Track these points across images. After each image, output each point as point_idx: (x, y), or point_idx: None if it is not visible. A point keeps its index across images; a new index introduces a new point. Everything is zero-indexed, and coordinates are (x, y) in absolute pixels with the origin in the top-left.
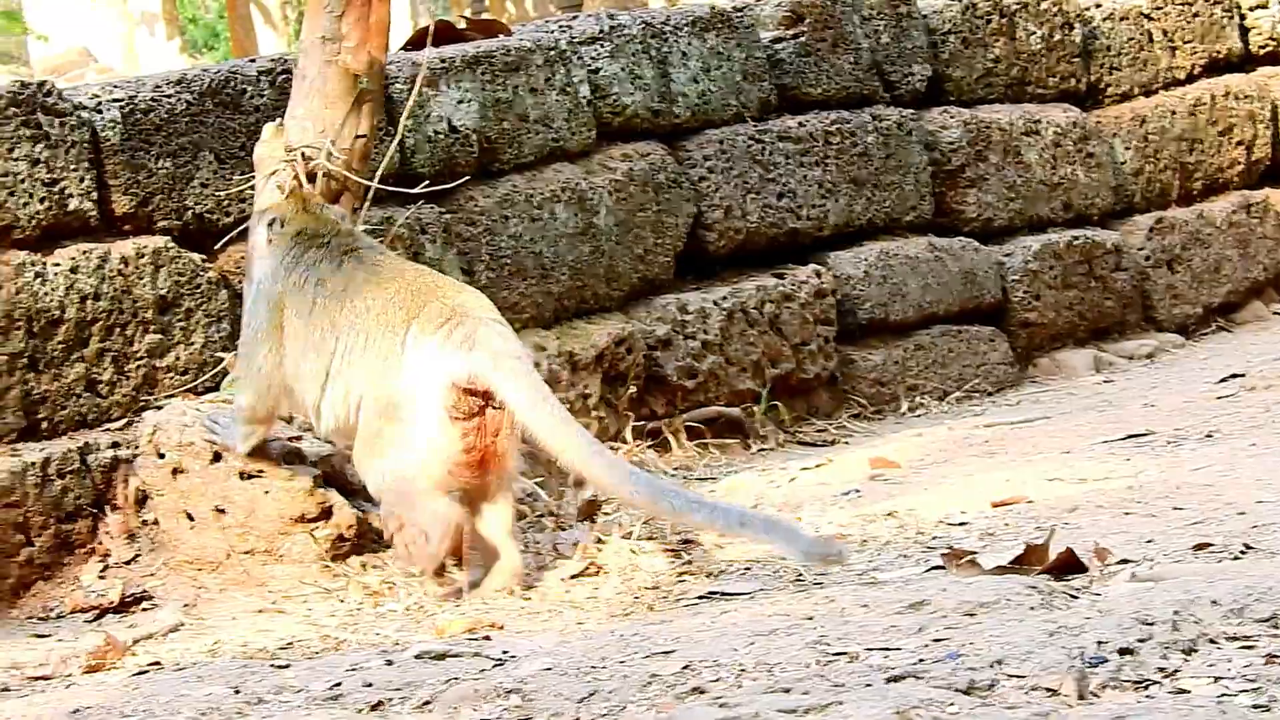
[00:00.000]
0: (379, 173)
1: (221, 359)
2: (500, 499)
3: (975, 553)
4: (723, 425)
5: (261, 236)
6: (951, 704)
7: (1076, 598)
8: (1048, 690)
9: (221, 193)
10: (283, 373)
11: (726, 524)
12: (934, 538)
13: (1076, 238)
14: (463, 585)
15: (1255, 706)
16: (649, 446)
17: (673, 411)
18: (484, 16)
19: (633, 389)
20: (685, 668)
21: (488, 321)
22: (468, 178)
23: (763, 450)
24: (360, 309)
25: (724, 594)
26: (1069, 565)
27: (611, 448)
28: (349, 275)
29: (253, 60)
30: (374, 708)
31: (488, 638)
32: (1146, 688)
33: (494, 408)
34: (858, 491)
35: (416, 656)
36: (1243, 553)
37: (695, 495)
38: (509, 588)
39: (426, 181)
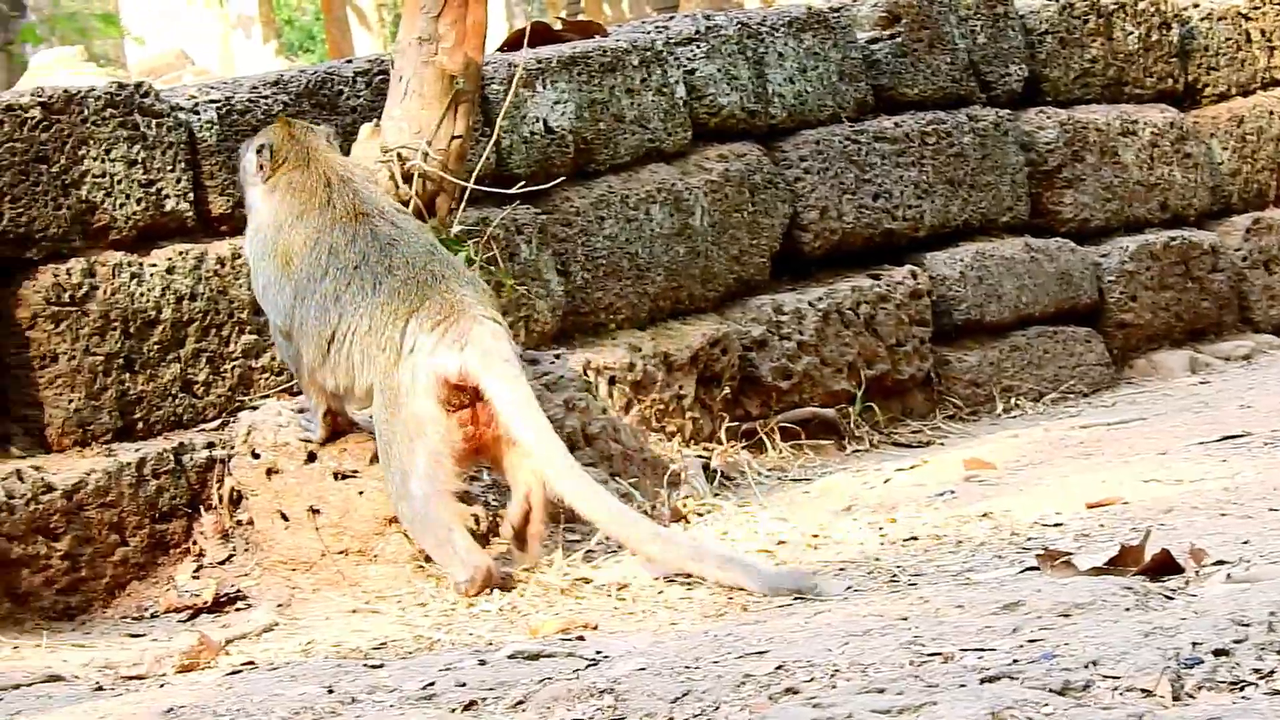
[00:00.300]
0: (475, 173)
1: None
2: (523, 476)
3: (1070, 554)
4: (817, 426)
5: (250, 162)
6: (1046, 705)
7: (1172, 599)
8: (1142, 691)
9: None
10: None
11: (679, 557)
12: (1029, 539)
13: (1173, 238)
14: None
15: None
16: (744, 447)
17: (767, 412)
18: (580, 18)
19: (727, 390)
20: (779, 668)
21: (481, 319)
22: (563, 178)
23: (857, 451)
24: (367, 289)
25: (818, 594)
26: (1164, 566)
27: (706, 449)
28: (363, 251)
29: (349, 61)
30: (467, 707)
31: (581, 638)
32: (1242, 689)
33: (483, 399)
34: (953, 493)
35: (510, 656)
36: None
37: (653, 526)
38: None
39: (522, 182)
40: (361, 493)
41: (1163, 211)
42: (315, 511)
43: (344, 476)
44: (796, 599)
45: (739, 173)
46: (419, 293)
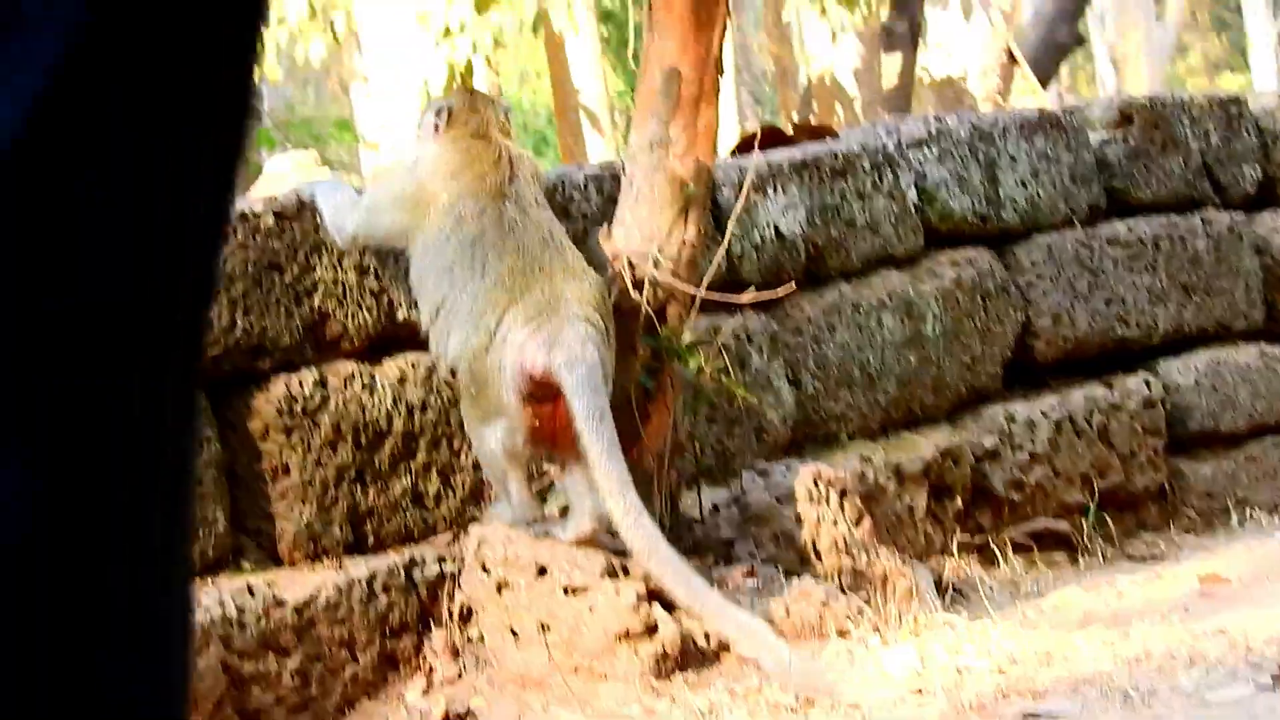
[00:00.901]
0: (705, 280)
1: (546, 472)
2: (581, 465)
3: None
4: (1049, 539)
5: (429, 121)
6: None
7: None
8: None
9: None
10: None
11: (704, 609)
12: (1265, 656)
13: None
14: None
15: None
16: (975, 560)
17: (999, 524)
18: (812, 120)
19: (959, 501)
20: None
21: (574, 320)
22: (794, 285)
23: (1090, 564)
24: (476, 270)
25: (1050, 714)
26: None
27: (937, 561)
28: (482, 228)
29: (580, 167)
30: None
31: None
32: None
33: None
34: (1186, 608)
35: None
36: None
37: (688, 570)
38: (591, 529)
39: (752, 288)
40: (592, 609)
41: None
42: (545, 628)
43: (574, 592)
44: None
45: (971, 279)
46: (522, 283)
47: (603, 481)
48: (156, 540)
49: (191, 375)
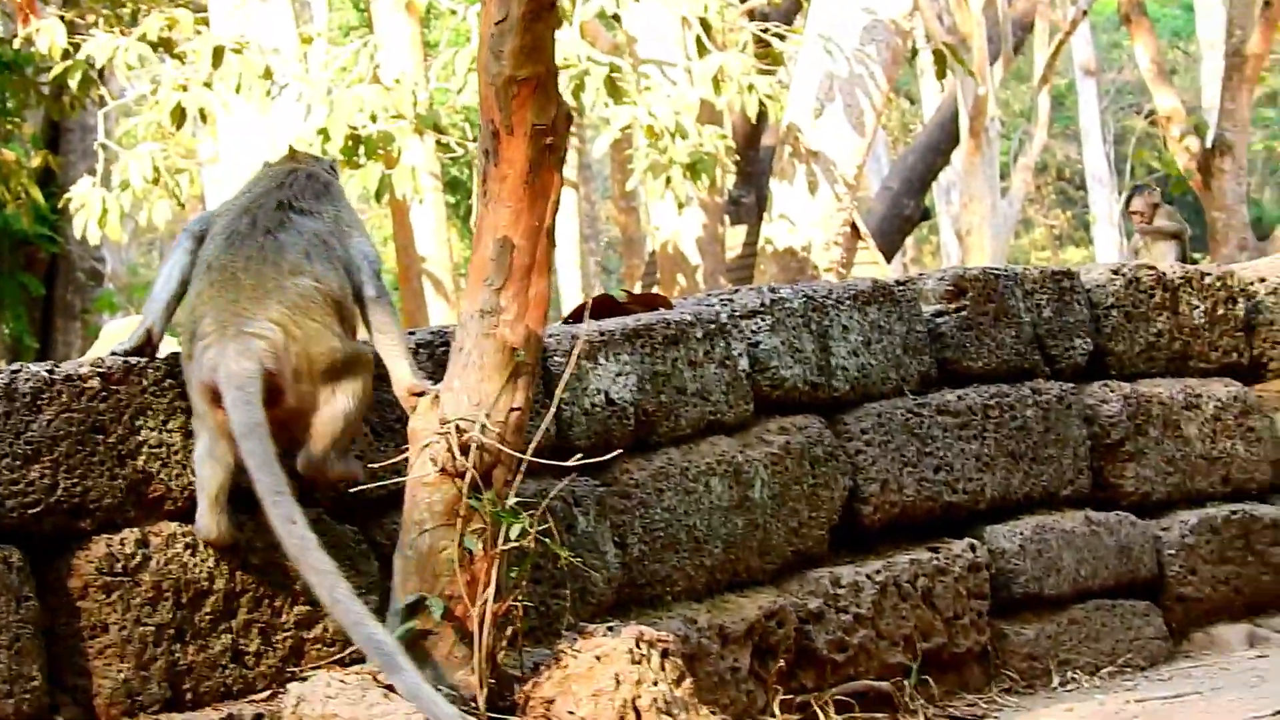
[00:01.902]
0: (533, 445)
1: None
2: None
3: None
4: (872, 699)
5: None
6: None
7: None
8: None
9: (374, 465)
10: None
11: (343, 617)
12: None
13: (1234, 512)
14: None
15: None
16: None
17: (822, 685)
18: (653, 290)
19: (782, 662)
20: None
21: (241, 335)
22: (623, 450)
23: None
24: (200, 273)
25: None
26: None
27: None
28: (213, 235)
29: (412, 333)
30: None
31: None
32: None
33: None
34: None
35: None
36: None
37: (336, 578)
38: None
39: (580, 454)
40: None
41: (1224, 485)
42: None
43: None
44: None
45: (800, 445)
46: (216, 297)
47: (258, 488)
48: None
49: None
